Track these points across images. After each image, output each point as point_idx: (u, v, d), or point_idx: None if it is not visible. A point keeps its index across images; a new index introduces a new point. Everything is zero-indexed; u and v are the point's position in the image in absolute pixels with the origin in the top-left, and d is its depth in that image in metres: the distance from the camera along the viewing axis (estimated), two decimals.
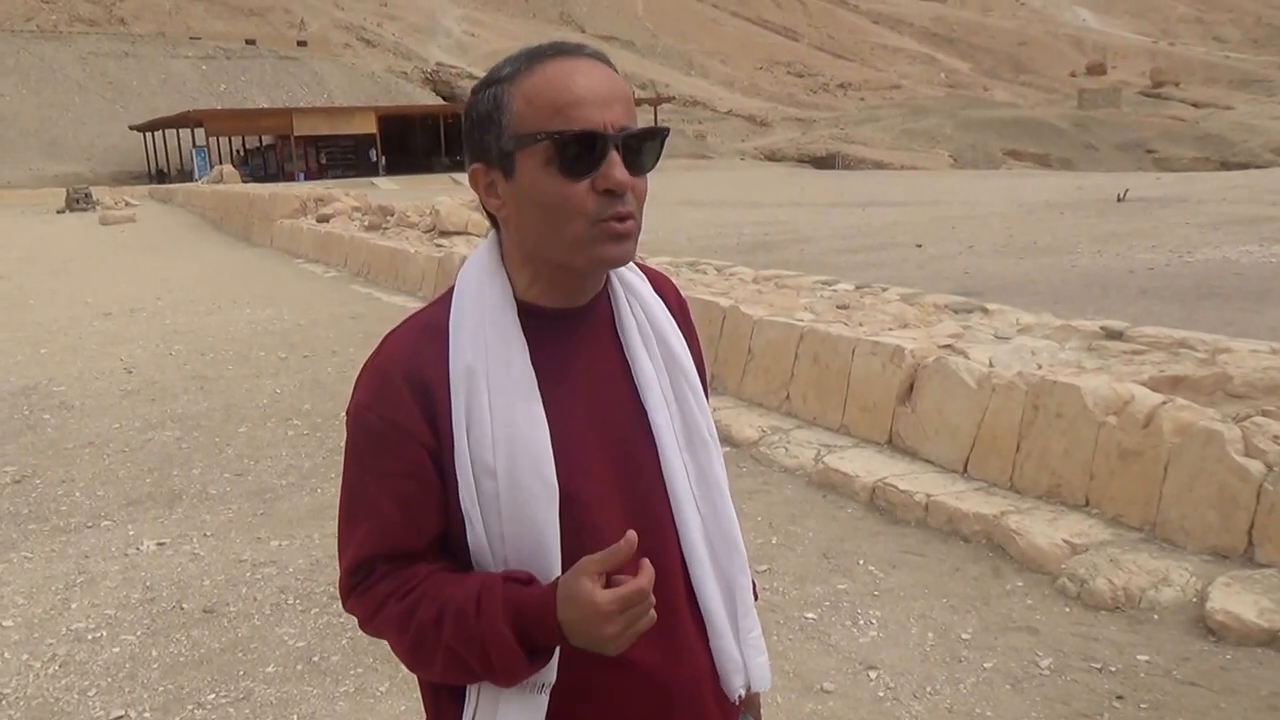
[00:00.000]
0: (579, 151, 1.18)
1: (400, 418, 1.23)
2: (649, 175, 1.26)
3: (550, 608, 1.16)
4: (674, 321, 1.39)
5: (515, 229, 1.26)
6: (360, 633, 3.93)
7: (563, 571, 1.21)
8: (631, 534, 1.14)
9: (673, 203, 29.85)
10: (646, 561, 1.16)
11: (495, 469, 1.21)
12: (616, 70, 1.25)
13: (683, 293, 1.51)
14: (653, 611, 1.17)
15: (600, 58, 1.23)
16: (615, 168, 1.18)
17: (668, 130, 1.29)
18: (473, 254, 1.33)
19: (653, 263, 7.97)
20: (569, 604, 1.15)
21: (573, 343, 1.30)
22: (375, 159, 55.67)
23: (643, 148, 1.22)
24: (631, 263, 1.34)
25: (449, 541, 1.27)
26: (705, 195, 32.30)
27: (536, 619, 1.17)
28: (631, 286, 1.36)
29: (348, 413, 1.29)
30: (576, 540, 1.23)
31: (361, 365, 1.32)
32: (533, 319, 1.27)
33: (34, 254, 20.83)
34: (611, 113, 1.19)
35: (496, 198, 1.26)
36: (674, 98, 75.88)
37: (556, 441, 1.23)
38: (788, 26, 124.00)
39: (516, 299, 1.27)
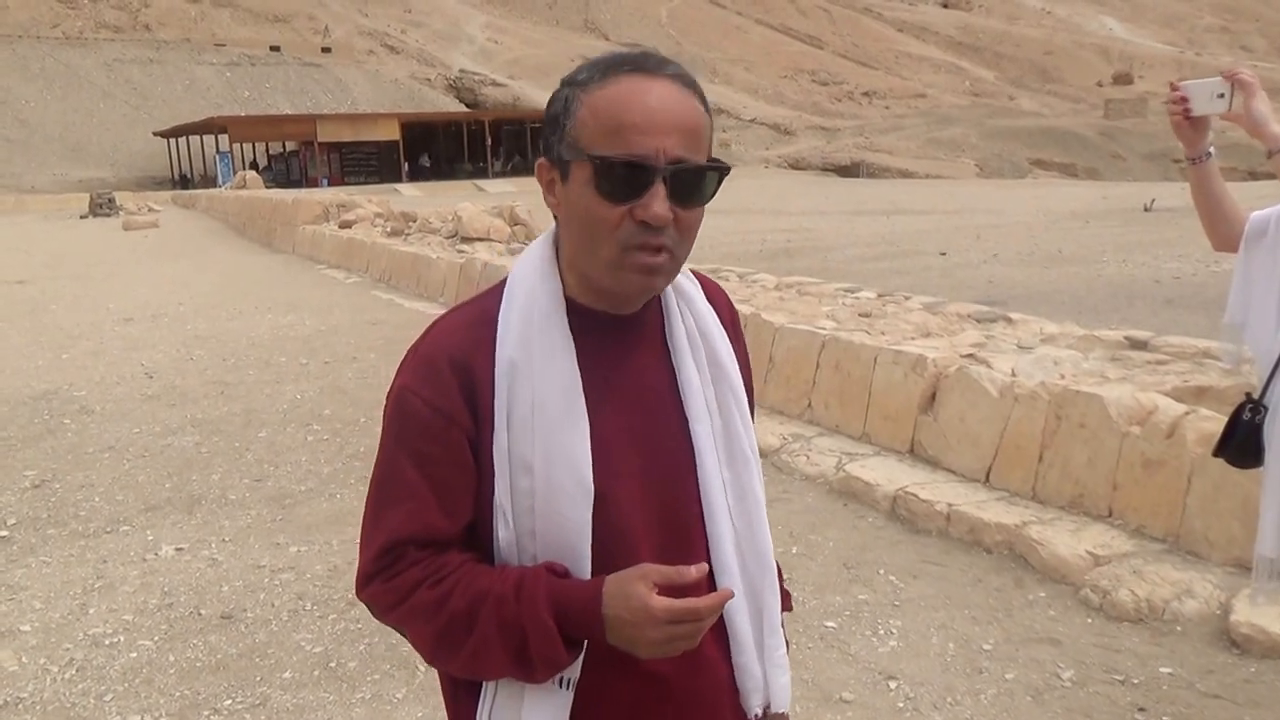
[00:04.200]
0: (623, 178, 1.16)
1: (444, 403, 1.23)
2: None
3: (596, 600, 1.16)
4: (724, 333, 1.37)
5: (563, 231, 1.27)
6: (377, 639, 3.96)
7: (592, 573, 1.21)
8: (703, 566, 1.16)
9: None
10: (721, 593, 1.17)
11: (532, 465, 1.21)
12: (700, 94, 1.20)
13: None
14: (698, 638, 1.17)
15: (682, 79, 1.20)
16: (656, 200, 1.16)
17: (727, 168, 1.22)
18: (529, 247, 1.33)
19: None
20: (620, 600, 1.15)
21: (620, 346, 1.28)
22: (424, 163, 56.29)
23: (694, 181, 1.19)
24: (688, 268, 1.33)
25: (476, 534, 1.27)
26: (729, 202, 32.19)
27: (580, 610, 1.17)
28: (685, 294, 1.34)
29: (389, 395, 1.28)
30: (605, 542, 1.23)
31: (404, 352, 1.32)
32: (582, 319, 1.26)
33: (57, 259, 21.01)
34: (667, 142, 1.16)
35: (554, 196, 1.26)
36: None
37: (595, 443, 1.23)
38: (812, 34, 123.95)
39: (567, 297, 1.26)
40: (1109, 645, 3.76)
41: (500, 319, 1.25)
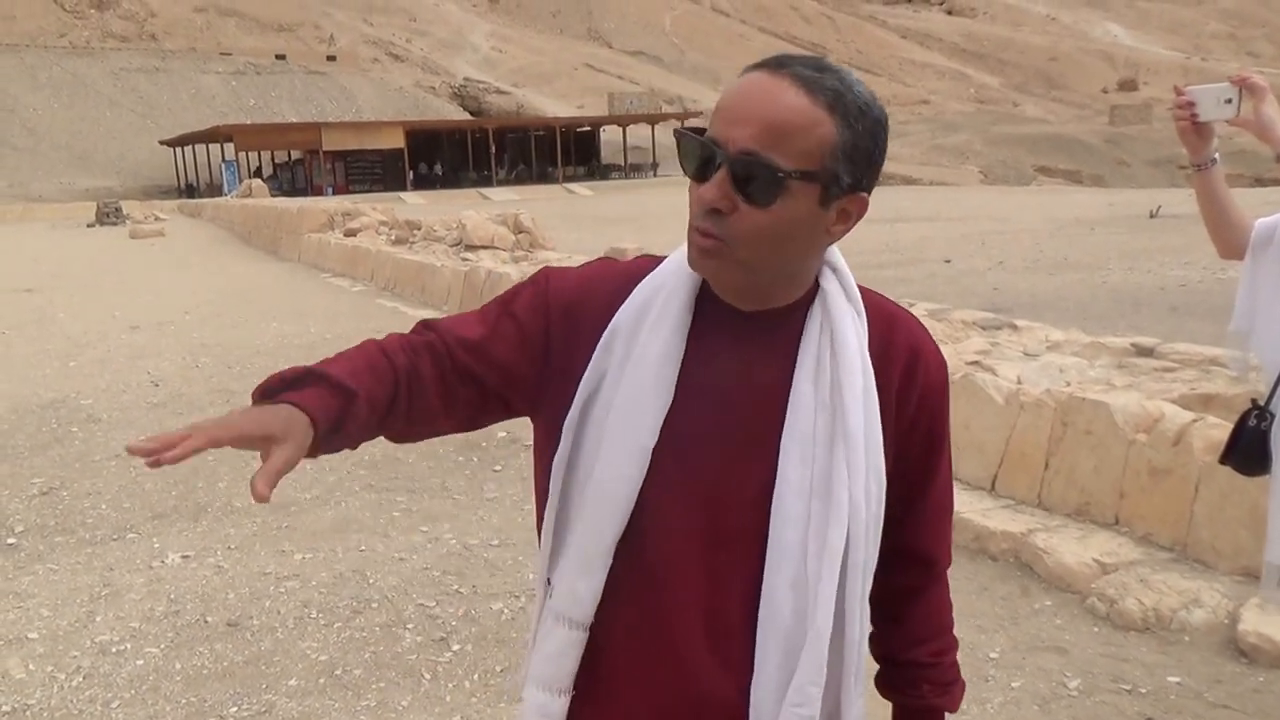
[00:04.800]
0: (691, 155, 1.19)
1: (564, 302, 1.30)
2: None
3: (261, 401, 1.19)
4: (869, 370, 1.27)
5: None
6: (382, 647, 3.97)
7: (617, 550, 1.25)
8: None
9: None
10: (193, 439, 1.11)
11: (606, 418, 1.25)
12: (828, 100, 1.15)
13: None
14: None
15: (803, 80, 1.15)
16: (714, 184, 1.16)
17: (783, 175, 1.15)
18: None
19: None
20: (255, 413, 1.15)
21: (740, 343, 1.27)
22: (437, 172, 56.47)
23: (752, 176, 1.15)
24: (859, 299, 1.30)
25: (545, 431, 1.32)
26: None
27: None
28: (832, 316, 1.27)
29: (544, 270, 1.35)
30: (642, 513, 1.24)
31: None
32: (712, 307, 1.28)
33: (64, 268, 21.07)
34: (740, 131, 1.14)
35: None
36: (701, 113, 76.04)
37: (672, 420, 1.24)
38: (815, 42, 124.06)
39: (707, 287, 1.28)
40: (1116, 654, 3.75)
41: (642, 281, 1.30)
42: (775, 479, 1.24)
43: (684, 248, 1.27)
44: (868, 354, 1.27)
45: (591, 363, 1.27)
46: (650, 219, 28.89)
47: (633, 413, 1.23)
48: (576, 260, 13.08)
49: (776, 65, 1.17)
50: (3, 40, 76.37)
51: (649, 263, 1.33)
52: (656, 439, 1.23)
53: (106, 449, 7.07)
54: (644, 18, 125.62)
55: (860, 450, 1.24)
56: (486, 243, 15.10)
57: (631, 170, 62.60)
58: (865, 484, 1.25)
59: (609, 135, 65.67)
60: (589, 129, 65.51)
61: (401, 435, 1.30)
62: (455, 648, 4.04)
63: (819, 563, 1.23)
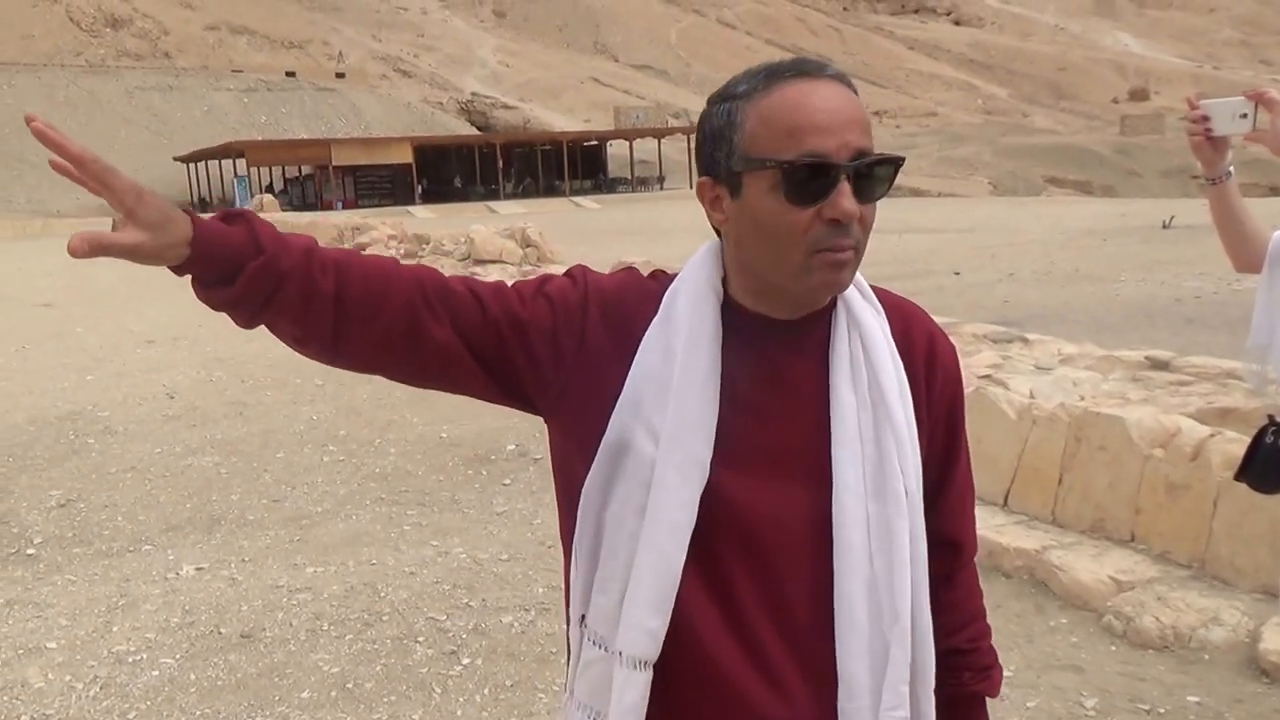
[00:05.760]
0: (808, 180, 1.15)
1: (602, 300, 1.27)
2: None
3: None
4: (899, 363, 1.29)
5: (735, 244, 1.25)
6: (394, 660, 3.98)
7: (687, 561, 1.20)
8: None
9: (707, 230, 29.86)
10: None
11: (659, 433, 1.21)
12: (855, 91, 1.21)
13: None
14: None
15: (841, 79, 1.20)
16: (844, 198, 1.15)
17: (902, 159, 1.22)
18: (696, 254, 1.32)
19: None
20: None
21: (772, 351, 1.26)
22: (446, 187, 56.83)
23: (874, 174, 1.18)
24: (874, 296, 1.31)
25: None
26: None
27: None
28: (856, 315, 1.28)
29: (579, 266, 1.34)
30: (710, 520, 1.21)
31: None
32: (739, 318, 1.26)
33: (80, 282, 21.16)
34: (845, 139, 1.15)
35: (721, 213, 1.25)
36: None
37: (718, 438, 1.22)
38: (822, 53, 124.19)
39: (729, 297, 1.27)
40: (1134, 673, 3.73)
41: (666, 296, 1.28)
42: (830, 485, 1.24)
43: (697, 260, 1.29)
44: (895, 347, 1.29)
45: (628, 384, 1.24)
46: (657, 232, 28.92)
47: (685, 436, 1.21)
48: None
49: (816, 71, 1.19)
50: (21, 59, 76.96)
51: (667, 279, 1.32)
52: (710, 461, 1.21)
53: (123, 461, 7.10)
54: (650, 31, 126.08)
55: (906, 442, 1.26)
56: (495, 256, 15.15)
57: (638, 184, 62.65)
58: (915, 475, 1.27)
59: (615, 149, 65.77)
60: (595, 143, 65.62)
61: (335, 340, 1.22)
62: (465, 661, 4.04)
63: (888, 560, 1.23)
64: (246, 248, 1.14)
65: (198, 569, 5.11)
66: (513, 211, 45.77)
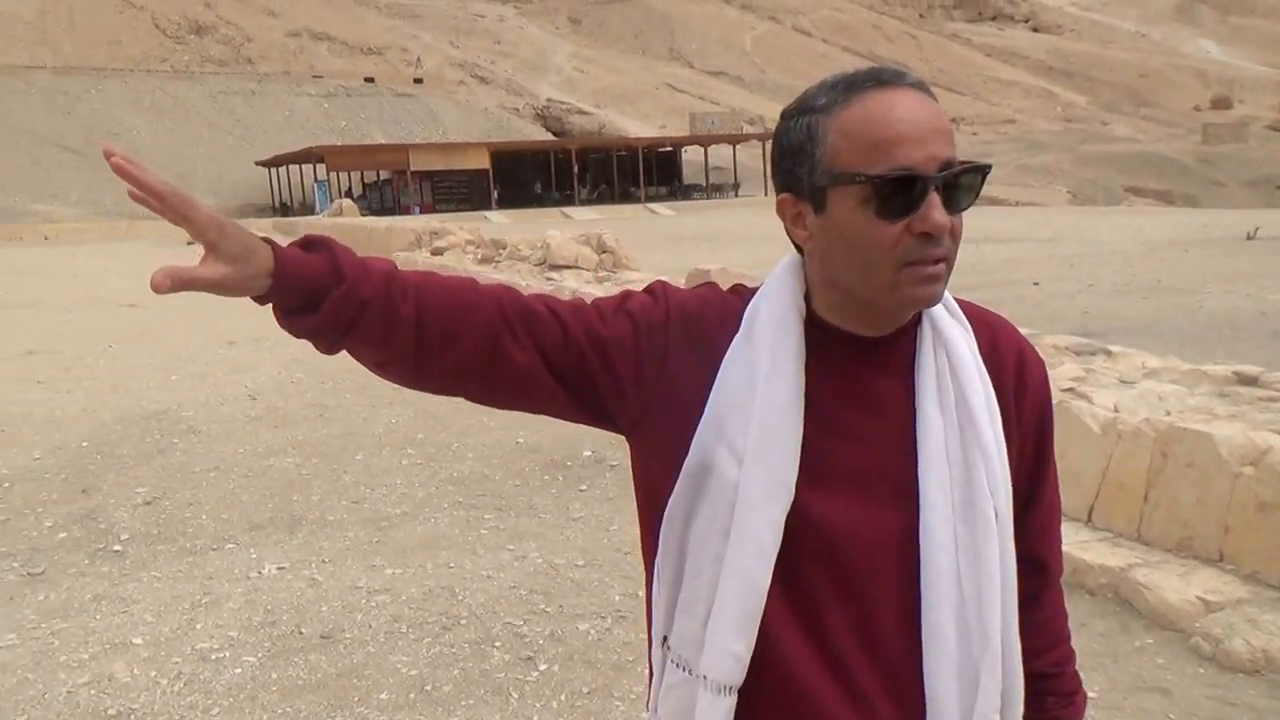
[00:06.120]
0: (897, 194, 1.12)
1: (683, 316, 1.26)
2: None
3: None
4: (987, 380, 1.26)
5: (821, 260, 1.23)
6: (471, 665, 4.02)
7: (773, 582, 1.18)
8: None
9: (782, 238, 29.72)
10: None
11: (743, 454, 1.19)
12: (935, 99, 1.19)
13: None
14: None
15: (920, 87, 1.18)
16: (934, 210, 1.13)
17: (988, 167, 1.20)
18: (775, 271, 1.30)
19: None
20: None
21: (857, 369, 1.25)
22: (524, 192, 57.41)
23: (961, 183, 1.16)
24: (960, 311, 1.29)
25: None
26: None
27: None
28: (942, 332, 1.25)
29: (659, 282, 1.33)
30: (795, 542, 1.19)
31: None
32: (823, 334, 1.24)
33: None
34: (931, 150, 1.13)
35: (804, 229, 1.22)
36: None
37: (803, 459, 1.20)
38: (899, 60, 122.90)
39: (812, 313, 1.25)
40: (1223, 697, 3.62)
41: (746, 314, 1.26)
42: (917, 507, 1.21)
43: (778, 276, 1.27)
44: (982, 364, 1.26)
45: (710, 404, 1.22)
46: (731, 239, 28.86)
47: (769, 457, 1.19)
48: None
49: (895, 80, 1.16)
50: (109, 65, 79.53)
51: (748, 293, 1.30)
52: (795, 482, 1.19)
53: (206, 460, 7.28)
54: (725, 38, 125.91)
55: (995, 462, 1.23)
56: (570, 262, 15.22)
57: (713, 190, 62.62)
58: (1005, 496, 1.24)
59: (690, 155, 65.83)
60: (670, 149, 65.73)
61: (417, 364, 1.23)
62: (542, 667, 4.06)
63: (976, 584, 1.21)
64: (328, 276, 1.15)
65: (279, 568, 5.22)
66: (587, 217, 46.04)
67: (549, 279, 14.57)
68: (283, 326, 1.18)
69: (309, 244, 1.18)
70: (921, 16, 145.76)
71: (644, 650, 4.10)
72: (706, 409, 1.22)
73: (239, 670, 4.12)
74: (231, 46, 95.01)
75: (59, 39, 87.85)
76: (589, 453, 6.97)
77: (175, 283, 1.08)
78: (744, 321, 1.25)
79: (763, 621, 1.20)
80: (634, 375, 1.25)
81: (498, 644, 4.27)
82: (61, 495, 6.58)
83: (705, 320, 1.27)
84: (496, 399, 1.30)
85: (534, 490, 6.38)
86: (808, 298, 1.26)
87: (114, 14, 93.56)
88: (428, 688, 3.93)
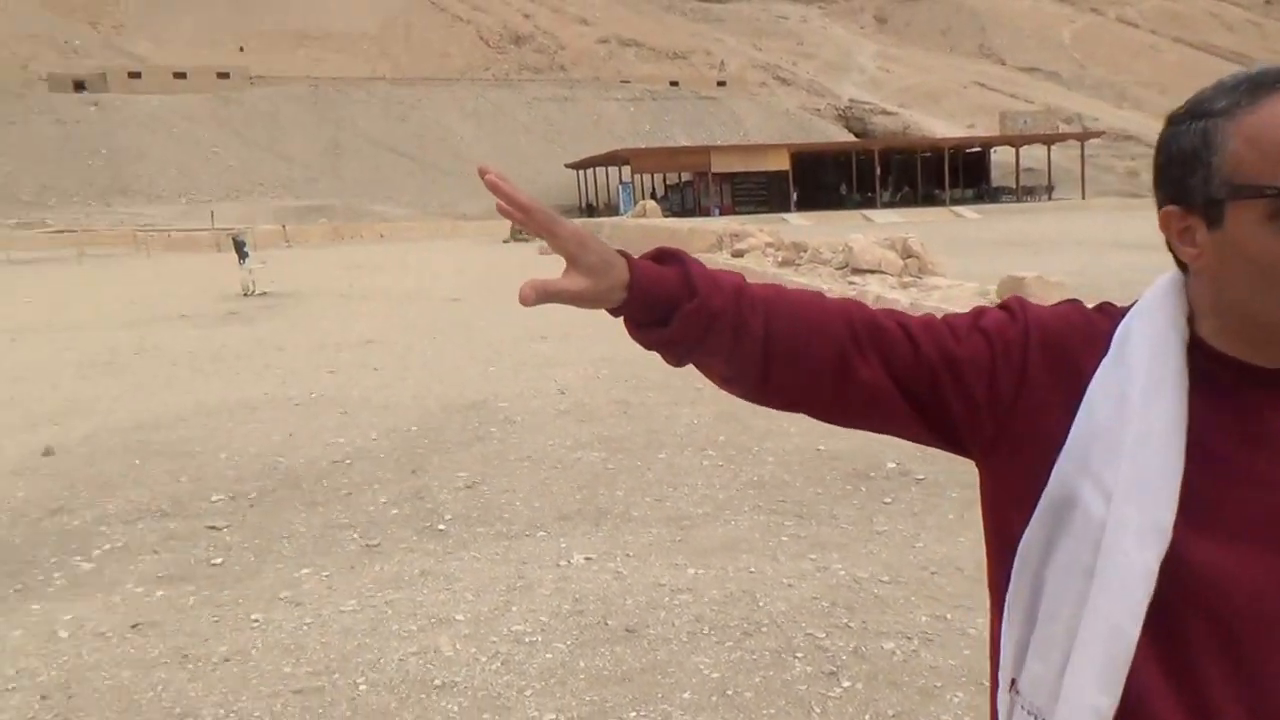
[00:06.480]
0: None
1: (1043, 335, 1.16)
2: None
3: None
4: None
5: (1213, 281, 1.11)
6: (772, 673, 3.99)
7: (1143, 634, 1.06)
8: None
9: (1101, 244, 27.89)
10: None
11: (1111, 490, 1.08)
12: None
13: None
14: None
15: None
16: None
17: None
18: (1152, 289, 1.19)
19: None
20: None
21: (1250, 401, 1.11)
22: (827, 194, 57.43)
23: None
24: None
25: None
26: (1133, 236, 29.87)
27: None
28: None
29: (1015, 298, 1.25)
30: (1171, 592, 1.06)
31: None
32: (1210, 362, 1.12)
33: (483, 279, 23.35)
34: None
35: (1193, 246, 1.11)
36: (1104, 132, 71.00)
37: (1182, 497, 1.07)
38: (1238, 51, 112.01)
39: (1197, 338, 1.13)
40: None
41: (1116, 336, 1.15)
42: None
43: (1155, 295, 1.15)
44: None
45: (1073, 432, 1.11)
46: (1044, 244, 27.39)
47: (1143, 496, 1.07)
48: (968, 286, 12.59)
49: None
50: (438, 75, 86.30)
51: (1117, 313, 1.18)
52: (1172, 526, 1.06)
53: (520, 450, 7.69)
54: (1040, 32, 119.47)
55: None
56: (873, 266, 14.93)
57: (1024, 193, 59.67)
58: None
59: (1000, 156, 63.10)
60: (979, 150, 63.28)
61: (763, 379, 1.21)
62: (845, 684, 3.96)
63: None
64: (681, 290, 1.14)
65: (587, 559, 5.40)
66: (889, 220, 45.18)
67: (851, 283, 14.34)
68: (634, 338, 1.18)
69: (662, 256, 1.18)
70: (1268, 2, 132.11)
71: (953, 676, 3.94)
72: (1069, 438, 1.12)
73: (549, 655, 4.29)
74: (546, 54, 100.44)
75: (397, 53, 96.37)
76: (893, 464, 6.77)
77: (540, 295, 1.12)
78: (1114, 343, 1.13)
79: (1129, 676, 1.08)
80: (988, 398, 1.16)
81: (799, 655, 4.21)
82: (394, 474, 7.14)
83: (1068, 340, 1.16)
84: (841, 416, 1.24)
85: (835, 500, 6.26)
86: (1191, 321, 1.13)
87: (444, 28, 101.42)
88: (729, 692, 3.93)
